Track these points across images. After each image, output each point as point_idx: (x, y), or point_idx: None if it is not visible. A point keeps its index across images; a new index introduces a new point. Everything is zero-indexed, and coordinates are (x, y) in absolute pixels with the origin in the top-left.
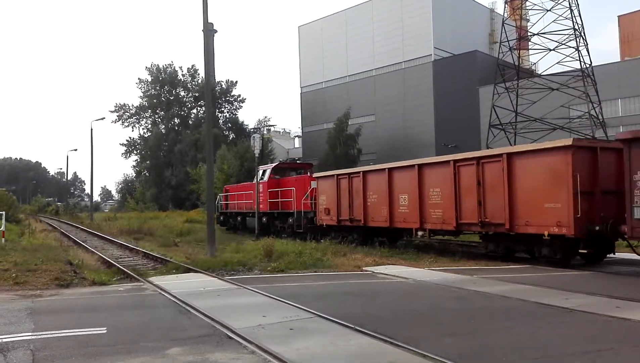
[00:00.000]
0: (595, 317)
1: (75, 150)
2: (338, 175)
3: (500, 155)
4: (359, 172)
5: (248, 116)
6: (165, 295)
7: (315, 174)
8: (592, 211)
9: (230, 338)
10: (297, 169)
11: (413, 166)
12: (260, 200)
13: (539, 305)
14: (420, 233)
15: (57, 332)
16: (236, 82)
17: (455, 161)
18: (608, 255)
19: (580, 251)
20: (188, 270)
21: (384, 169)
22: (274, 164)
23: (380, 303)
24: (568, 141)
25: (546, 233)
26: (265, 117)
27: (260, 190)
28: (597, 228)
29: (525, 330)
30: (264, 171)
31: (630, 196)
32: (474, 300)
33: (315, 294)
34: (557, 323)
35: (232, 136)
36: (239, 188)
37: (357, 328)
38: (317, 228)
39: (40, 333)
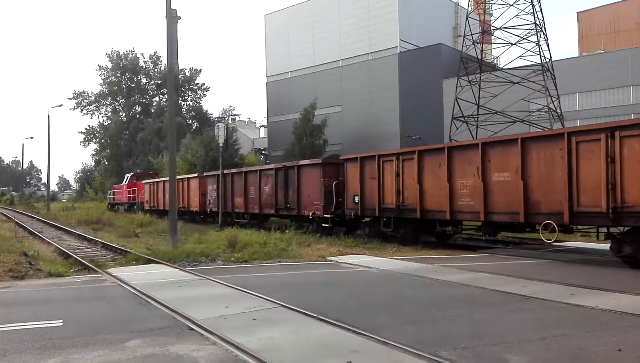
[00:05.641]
0: (550, 304)
1: (32, 138)
2: (150, 183)
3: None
4: (161, 180)
5: (213, 105)
6: (125, 286)
7: (144, 181)
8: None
9: (192, 329)
10: (148, 176)
11: (197, 176)
12: (123, 196)
13: (497, 293)
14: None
15: (10, 325)
16: (200, 70)
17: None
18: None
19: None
20: (149, 261)
21: (186, 178)
22: (131, 174)
23: (343, 292)
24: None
25: (204, 210)
26: (230, 106)
27: (123, 189)
28: (209, 208)
29: (484, 317)
30: (126, 178)
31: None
32: (435, 289)
33: (279, 284)
34: (515, 310)
35: (196, 125)
36: (117, 187)
37: (320, 317)
38: (148, 211)
39: None
